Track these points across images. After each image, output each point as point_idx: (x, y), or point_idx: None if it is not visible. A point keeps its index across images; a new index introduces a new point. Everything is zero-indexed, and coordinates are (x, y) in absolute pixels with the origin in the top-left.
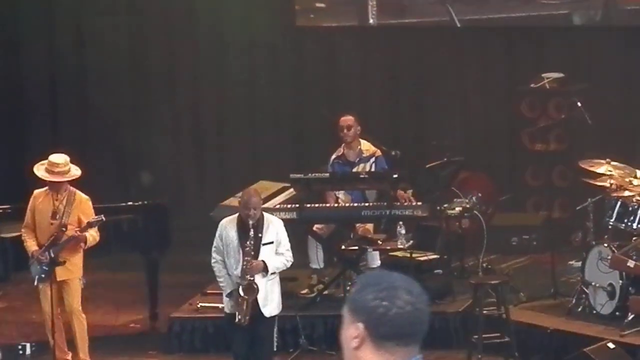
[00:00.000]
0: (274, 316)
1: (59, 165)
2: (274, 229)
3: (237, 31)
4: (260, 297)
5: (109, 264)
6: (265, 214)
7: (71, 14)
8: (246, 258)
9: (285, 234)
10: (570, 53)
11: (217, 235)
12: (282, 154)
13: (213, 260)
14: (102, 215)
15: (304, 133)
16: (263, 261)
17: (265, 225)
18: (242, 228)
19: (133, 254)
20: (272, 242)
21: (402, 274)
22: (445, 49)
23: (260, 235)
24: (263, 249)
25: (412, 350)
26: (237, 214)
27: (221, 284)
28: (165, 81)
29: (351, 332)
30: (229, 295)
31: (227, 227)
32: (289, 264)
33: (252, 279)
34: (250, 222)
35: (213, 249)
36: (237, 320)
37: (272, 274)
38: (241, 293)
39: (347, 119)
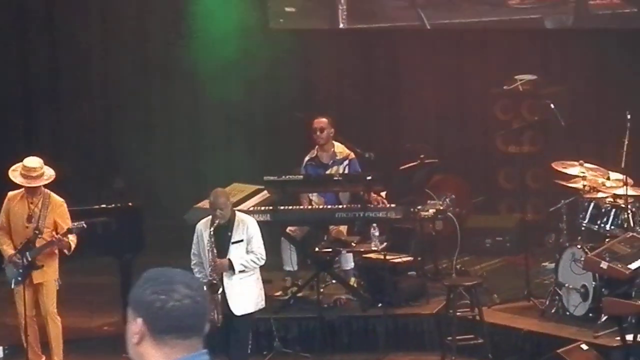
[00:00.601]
0: (248, 314)
1: (34, 169)
2: (244, 227)
3: (210, 33)
4: (230, 295)
5: (82, 267)
6: (237, 213)
7: (44, 15)
8: (209, 257)
9: (257, 231)
10: (543, 55)
11: (194, 237)
12: (255, 156)
13: (192, 262)
14: (84, 222)
15: (278, 135)
16: (229, 259)
17: (235, 223)
18: (215, 228)
19: (107, 256)
20: (241, 241)
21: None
22: (418, 51)
23: (230, 234)
24: (232, 247)
25: (194, 344)
26: (211, 216)
27: None
28: (137, 83)
29: (132, 328)
30: None
31: (202, 229)
32: (260, 262)
33: (216, 277)
34: (217, 222)
35: (192, 251)
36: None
37: (241, 272)
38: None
39: (321, 121)
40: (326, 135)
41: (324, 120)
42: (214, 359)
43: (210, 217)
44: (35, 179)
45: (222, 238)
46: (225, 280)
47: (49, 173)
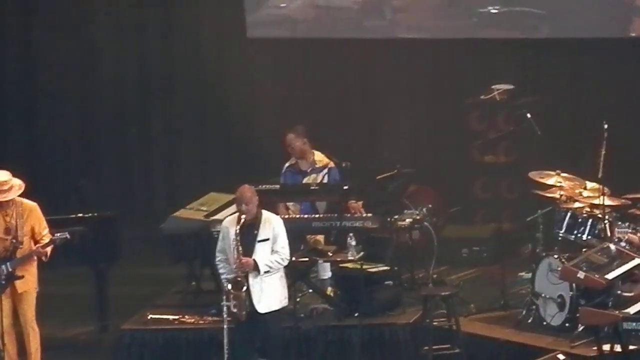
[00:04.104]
0: (273, 312)
1: (3, 183)
2: (270, 226)
3: (187, 42)
4: (254, 293)
5: (57, 276)
6: (264, 211)
7: (20, 26)
8: (235, 255)
9: (283, 231)
10: (519, 65)
11: (220, 234)
12: (232, 165)
13: (217, 259)
14: (67, 233)
15: (254, 144)
16: (254, 260)
17: (262, 222)
18: (241, 226)
19: (82, 266)
20: (267, 239)
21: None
22: (395, 61)
23: (256, 232)
24: (258, 246)
25: None
26: (237, 214)
27: (224, 281)
28: (113, 92)
29: None
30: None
31: (228, 226)
32: (284, 262)
33: (241, 275)
34: (244, 218)
35: (217, 247)
36: (236, 315)
37: (265, 272)
38: (229, 287)
39: (288, 138)
40: (298, 149)
41: (291, 136)
42: None
43: (236, 214)
44: (6, 192)
45: (249, 236)
46: (250, 278)
47: (18, 184)
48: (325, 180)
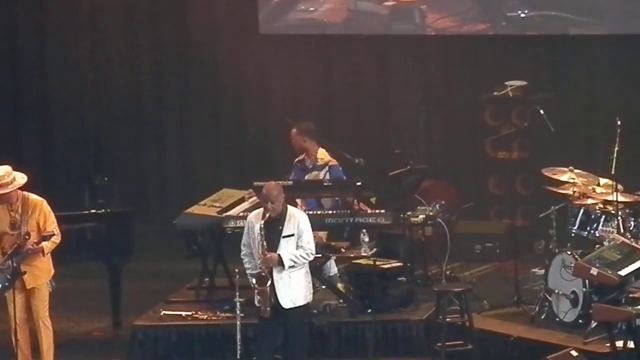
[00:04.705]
0: (297, 308)
1: (2, 177)
2: (295, 222)
3: (201, 38)
4: (278, 289)
5: (71, 272)
6: (289, 207)
7: (34, 24)
8: (259, 250)
9: (308, 227)
10: (533, 61)
11: (245, 228)
12: (245, 162)
13: (242, 253)
14: (54, 231)
15: (267, 141)
16: (279, 255)
17: (287, 218)
18: (266, 221)
19: (96, 261)
20: (292, 235)
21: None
22: (408, 57)
23: (280, 227)
24: (283, 241)
25: None
26: (262, 208)
27: (249, 276)
28: (127, 88)
29: None
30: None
31: (253, 221)
32: (310, 258)
33: (266, 270)
34: (267, 215)
35: (242, 241)
36: (260, 310)
37: (290, 267)
38: (254, 282)
39: (291, 133)
40: (297, 146)
41: (293, 131)
42: None
43: (261, 209)
44: (4, 186)
45: (273, 232)
46: (275, 273)
47: (20, 180)
48: (328, 178)
